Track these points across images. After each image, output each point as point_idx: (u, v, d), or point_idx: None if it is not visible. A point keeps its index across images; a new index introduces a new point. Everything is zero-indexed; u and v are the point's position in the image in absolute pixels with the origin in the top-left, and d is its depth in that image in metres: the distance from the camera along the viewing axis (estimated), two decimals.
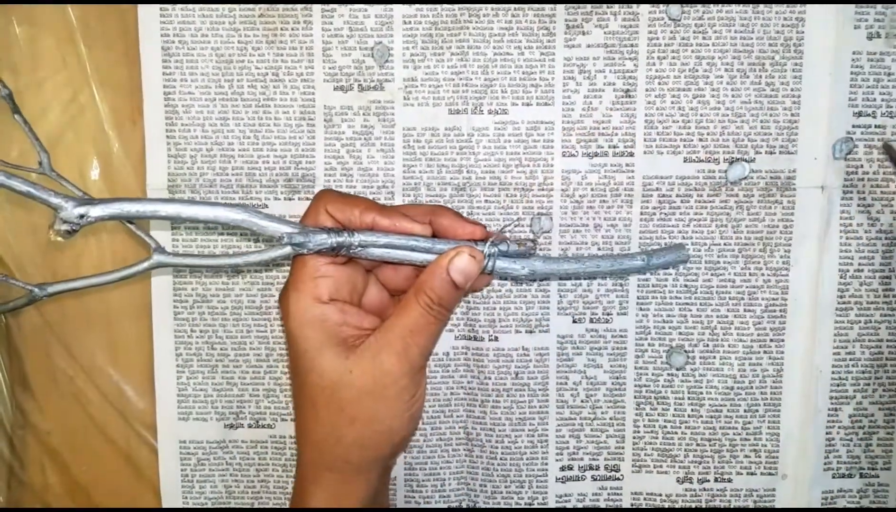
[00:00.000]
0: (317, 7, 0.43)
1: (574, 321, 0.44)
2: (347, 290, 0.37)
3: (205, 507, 0.46)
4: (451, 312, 0.38)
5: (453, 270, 0.36)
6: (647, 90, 0.43)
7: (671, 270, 0.43)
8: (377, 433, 0.37)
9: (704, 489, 0.45)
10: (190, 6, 0.43)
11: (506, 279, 0.43)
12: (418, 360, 0.36)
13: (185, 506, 0.46)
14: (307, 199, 0.44)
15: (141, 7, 0.43)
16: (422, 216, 0.38)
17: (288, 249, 0.35)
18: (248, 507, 0.46)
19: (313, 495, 0.37)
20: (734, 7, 0.42)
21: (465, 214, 0.43)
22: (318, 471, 0.37)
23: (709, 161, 0.43)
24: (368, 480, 0.38)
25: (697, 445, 0.45)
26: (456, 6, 0.42)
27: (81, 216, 0.32)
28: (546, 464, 0.45)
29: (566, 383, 0.45)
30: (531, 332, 0.44)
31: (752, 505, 0.45)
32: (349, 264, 0.37)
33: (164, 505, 0.46)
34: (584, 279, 0.44)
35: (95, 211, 0.33)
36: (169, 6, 0.43)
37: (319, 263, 0.36)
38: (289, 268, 0.37)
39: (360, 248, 0.35)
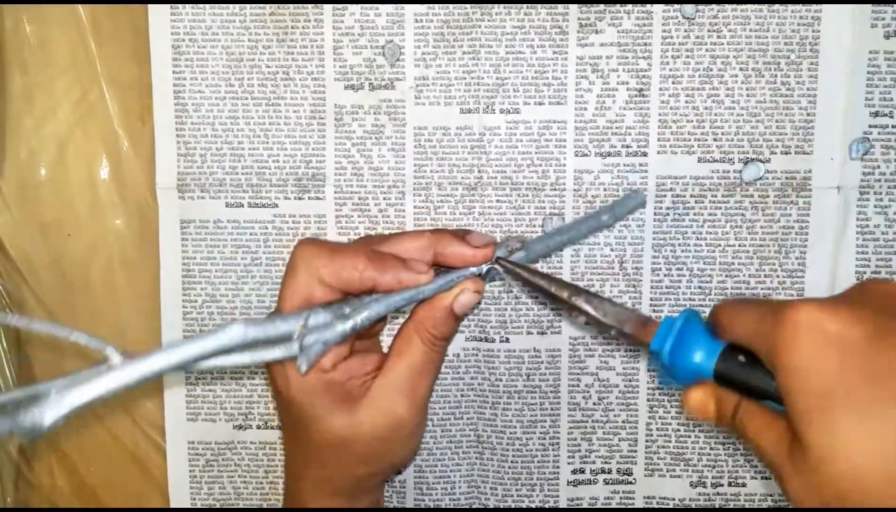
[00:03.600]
0: (328, 5, 0.43)
1: (586, 323, 0.44)
2: (348, 347, 0.34)
3: (213, 508, 0.46)
4: (451, 341, 0.37)
5: (458, 307, 0.34)
6: (660, 89, 0.42)
7: (638, 213, 0.43)
8: (388, 465, 0.37)
9: (718, 493, 0.44)
10: (200, 5, 0.43)
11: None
12: (425, 397, 0.35)
13: (194, 507, 0.46)
14: (317, 198, 0.44)
15: (151, 5, 0.43)
16: (424, 251, 0.35)
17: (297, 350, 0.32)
18: (257, 507, 0.46)
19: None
20: (749, 6, 0.41)
21: (475, 215, 0.43)
22: (324, 495, 0.36)
23: (723, 161, 0.42)
24: (374, 495, 0.38)
25: (711, 448, 0.44)
26: (468, 5, 0.42)
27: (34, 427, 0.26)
28: (557, 467, 0.45)
29: (578, 385, 0.44)
30: (543, 333, 0.44)
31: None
32: None
33: (172, 506, 0.46)
34: (561, 250, 0.43)
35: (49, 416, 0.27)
36: (179, 5, 0.43)
37: None
38: None
39: (366, 322, 0.33)
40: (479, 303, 0.38)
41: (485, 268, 0.36)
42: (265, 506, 0.46)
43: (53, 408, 0.26)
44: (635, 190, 0.42)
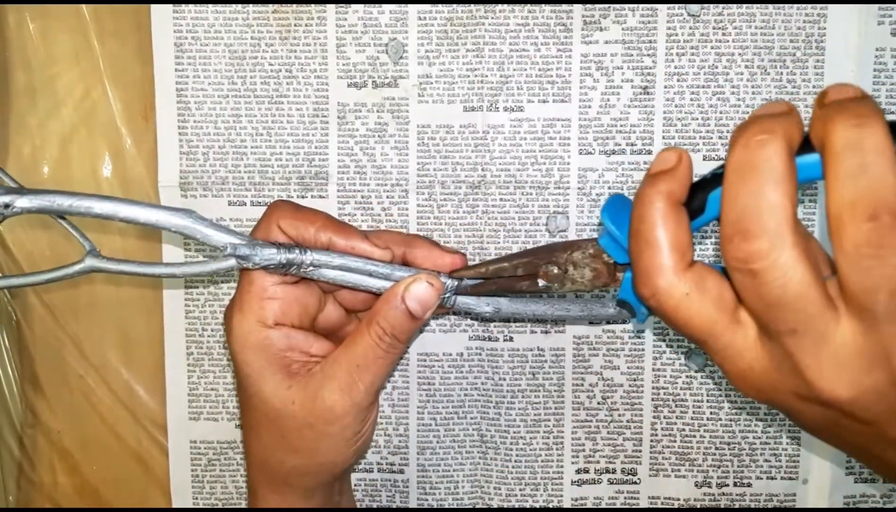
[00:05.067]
0: (331, 4, 0.42)
1: (590, 322, 0.43)
2: (297, 313, 0.34)
3: (215, 507, 0.46)
4: (407, 344, 0.35)
5: (409, 298, 0.33)
6: (665, 87, 0.42)
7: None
8: (318, 465, 0.35)
9: (723, 494, 0.44)
10: (203, 3, 0.43)
11: (468, 316, 0.42)
12: (364, 397, 0.34)
13: (196, 506, 0.46)
14: (320, 196, 0.43)
15: (154, 4, 0.43)
16: (393, 244, 0.35)
17: (232, 262, 0.32)
18: (258, 508, 0.46)
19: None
20: (754, 3, 0.41)
21: (479, 213, 0.43)
22: (261, 489, 0.36)
23: None
24: (310, 503, 0.37)
25: (716, 448, 0.44)
26: (471, 3, 0.42)
27: (6, 206, 0.29)
28: (561, 467, 0.44)
29: (582, 385, 0.44)
30: (547, 332, 0.43)
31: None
32: (301, 284, 0.34)
33: (175, 505, 0.46)
34: (553, 321, 0.43)
35: (22, 202, 0.30)
36: (182, 3, 0.43)
37: (267, 283, 0.33)
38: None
39: (312, 269, 0.33)
40: (441, 314, 0.36)
41: (449, 280, 0.34)
42: None
43: (26, 201, 0.30)
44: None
